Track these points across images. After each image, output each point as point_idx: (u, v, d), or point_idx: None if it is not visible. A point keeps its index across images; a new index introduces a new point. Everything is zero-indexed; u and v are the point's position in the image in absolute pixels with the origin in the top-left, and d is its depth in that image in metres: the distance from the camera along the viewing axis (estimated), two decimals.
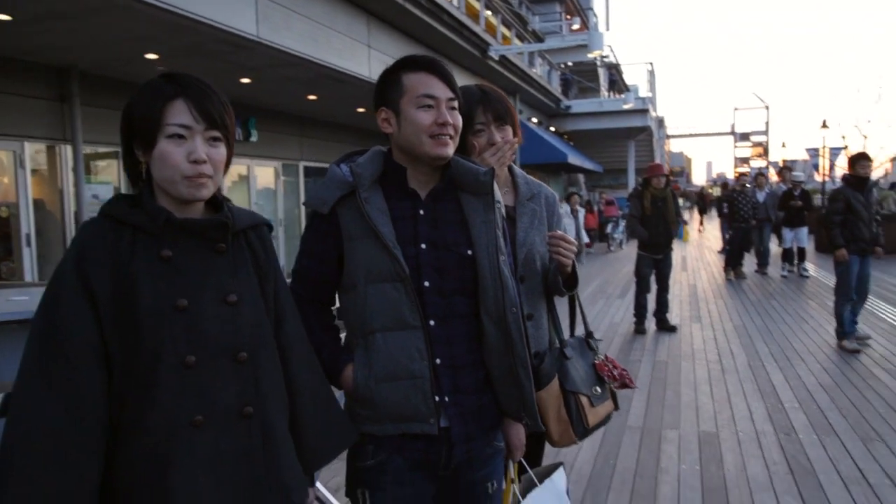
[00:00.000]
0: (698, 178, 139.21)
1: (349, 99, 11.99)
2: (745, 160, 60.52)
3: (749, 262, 12.65)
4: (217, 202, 1.52)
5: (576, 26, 34.06)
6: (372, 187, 1.72)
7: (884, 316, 8.04)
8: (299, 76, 9.89)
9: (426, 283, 1.69)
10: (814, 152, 21.80)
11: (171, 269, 1.39)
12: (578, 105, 25.37)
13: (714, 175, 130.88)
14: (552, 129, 24.37)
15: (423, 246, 1.70)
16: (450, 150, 1.71)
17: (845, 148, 16.18)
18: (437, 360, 1.69)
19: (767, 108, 62.40)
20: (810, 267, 12.15)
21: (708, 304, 9.45)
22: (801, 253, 11.99)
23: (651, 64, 31.40)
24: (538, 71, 21.09)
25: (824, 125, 20.95)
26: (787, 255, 12.15)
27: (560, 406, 2.06)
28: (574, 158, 21.13)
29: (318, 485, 2.63)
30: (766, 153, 57.50)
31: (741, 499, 3.46)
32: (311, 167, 14.35)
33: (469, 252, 1.74)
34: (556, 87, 24.22)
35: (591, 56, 17.90)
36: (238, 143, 11.53)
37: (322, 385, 1.64)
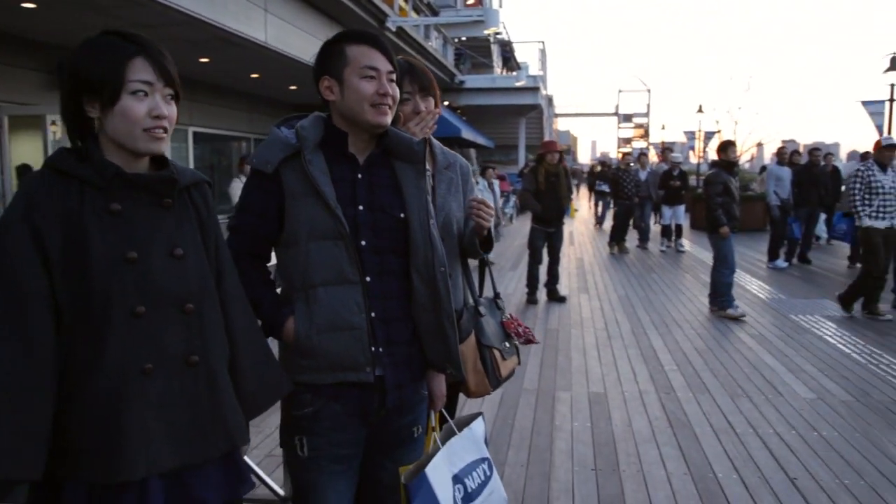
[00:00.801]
0: (583, 157, 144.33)
1: (243, 63, 11.65)
2: (627, 140, 63.27)
3: (631, 238, 13.38)
4: (161, 160, 1.55)
5: (470, 1, 34.29)
6: (314, 150, 1.81)
7: (749, 287, 8.79)
8: (192, 37, 9.50)
9: (363, 243, 1.81)
10: (691, 135, 23.21)
11: (120, 221, 1.43)
12: (472, 80, 25.64)
13: (598, 154, 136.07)
14: (446, 103, 24.55)
15: (361, 208, 1.82)
16: (388, 118, 1.83)
17: (718, 132, 17.42)
18: (373, 314, 1.82)
19: (649, 91, 65.35)
20: (686, 243, 13.00)
21: (594, 276, 9.98)
22: (679, 230, 12.82)
23: (543, 43, 32.09)
24: (433, 44, 21.17)
25: (700, 110, 22.32)
26: (665, 232, 12.95)
27: (476, 359, 2.23)
28: (467, 133, 21.40)
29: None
30: (647, 134, 60.24)
31: (627, 450, 3.79)
32: (200, 133, 13.85)
33: (402, 215, 1.86)
34: (450, 62, 24.39)
35: (486, 32, 18.13)
36: None
37: (259, 337, 1.72)
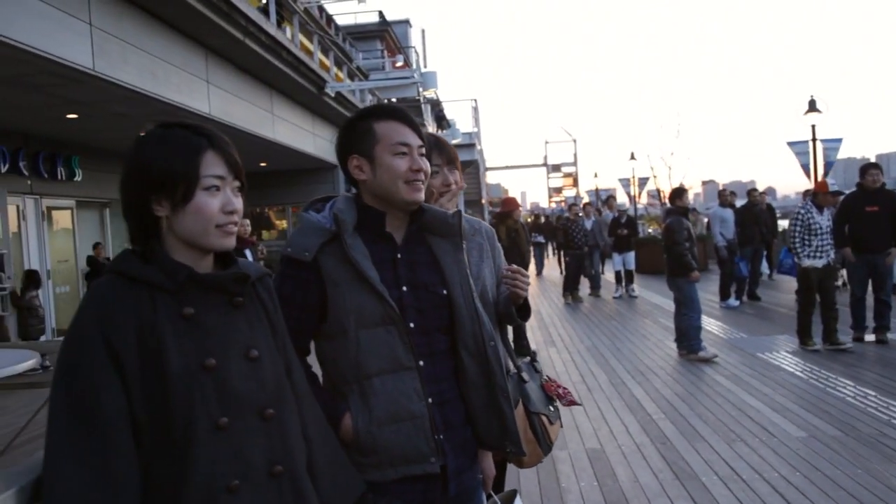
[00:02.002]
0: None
1: None
2: (558, 190, 64.71)
3: (582, 286, 13.54)
4: (223, 254, 1.45)
5: (399, 63, 34.94)
6: (353, 233, 1.74)
7: (709, 328, 8.95)
8: (133, 112, 9.31)
9: (411, 325, 1.74)
10: (626, 182, 23.94)
11: (194, 326, 1.32)
12: None
13: (528, 205, 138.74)
14: None
15: (405, 289, 1.76)
16: (422, 194, 1.78)
17: (655, 177, 18.05)
18: (429, 399, 1.73)
19: (575, 141, 67.34)
20: (636, 288, 13.23)
21: (556, 328, 10.00)
22: (630, 275, 13.06)
23: (475, 101, 32.84)
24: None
25: (632, 157, 23.10)
26: (617, 278, 13.17)
27: (526, 427, 2.15)
28: None
29: None
30: (576, 183, 61.78)
31: None
32: None
33: (444, 291, 1.80)
34: None
35: (425, 94, 18.44)
36: (61, 183, 10.75)
37: (330, 435, 1.61)
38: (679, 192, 7.47)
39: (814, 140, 14.11)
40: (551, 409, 2.27)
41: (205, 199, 1.33)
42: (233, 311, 1.39)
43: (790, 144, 14.61)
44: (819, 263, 7.11)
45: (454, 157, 2.23)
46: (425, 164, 1.78)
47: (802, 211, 7.27)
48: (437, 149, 2.18)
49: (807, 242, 7.13)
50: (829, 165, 14.51)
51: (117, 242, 12.80)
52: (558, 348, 8.39)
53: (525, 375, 2.23)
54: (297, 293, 1.72)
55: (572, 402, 2.38)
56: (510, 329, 8.88)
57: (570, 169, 68.89)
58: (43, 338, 9.99)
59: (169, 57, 8.93)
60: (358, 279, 1.69)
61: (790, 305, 10.61)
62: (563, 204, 36.30)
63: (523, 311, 2.20)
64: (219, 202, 1.35)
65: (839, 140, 15.14)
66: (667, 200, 8.04)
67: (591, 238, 13.21)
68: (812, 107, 13.92)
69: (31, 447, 4.53)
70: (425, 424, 1.70)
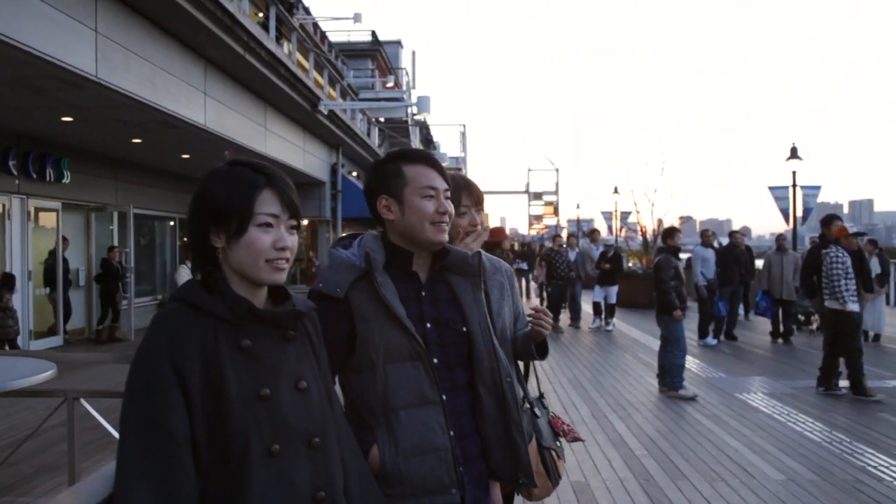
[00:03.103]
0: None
1: (176, 144, 11.47)
2: (539, 217, 65.08)
3: (562, 317, 13.66)
4: (277, 288, 1.53)
5: (390, 84, 35.14)
6: (382, 271, 1.84)
7: (690, 367, 9.08)
8: (129, 118, 9.32)
9: (435, 360, 1.83)
10: (608, 215, 24.29)
11: (251, 357, 1.40)
12: None
13: (507, 231, 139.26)
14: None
15: (429, 325, 1.85)
16: (446, 236, 1.89)
17: (638, 212, 18.43)
18: (451, 432, 1.81)
19: (557, 170, 67.91)
20: (614, 322, 13.38)
21: None
22: (611, 309, 13.21)
23: (463, 126, 33.19)
24: (360, 126, 21.50)
25: (616, 191, 23.47)
26: (596, 309, 13.32)
27: (538, 461, 2.24)
28: None
29: None
30: (556, 212, 62.22)
31: None
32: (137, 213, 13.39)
33: (464, 328, 1.90)
34: (374, 142, 24.75)
35: (418, 117, 18.62)
36: (49, 184, 10.67)
37: (363, 464, 1.68)
38: (671, 232, 7.62)
39: (794, 186, 14.48)
40: (558, 443, 2.37)
41: (257, 234, 1.41)
42: (284, 344, 1.47)
43: (771, 189, 14.97)
44: (857, 307, 7.13)
45: (481, 199, 2.34)
46: (450, 207, 1.89)
47: (840, 255, 7.14)
48: (467, 190, 2.29)
49: (847, 287, 7.06)
50: (807, 212, 14.89)
51: (100, 244, 12.68)
52: (539, 378, 8.46)
53: (537, 411, 2.32)
54: (327, 328, 1.79)
55: (576, 439, 2.48)
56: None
57: (552, 198, 69.59)
58: (19, 339, 9.88)
59: (169, 66, 8.97)
60: (387, 315, 1.78)
61: (765, 346, 10.83)
62: (542, 231, 36.55)
63: (541, 349, 2.29)
64: (271, 238, 1.42)
65: (818, 187, 15.56)
66: (651, 236, 8.16)
67: (573, 269, 13.37)
68: (794, 154, 14.31)
69: (41, 458, 4.50)
70: (448, 457, 1.79)
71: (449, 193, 1.90)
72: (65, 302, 11.53)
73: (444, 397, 1.81)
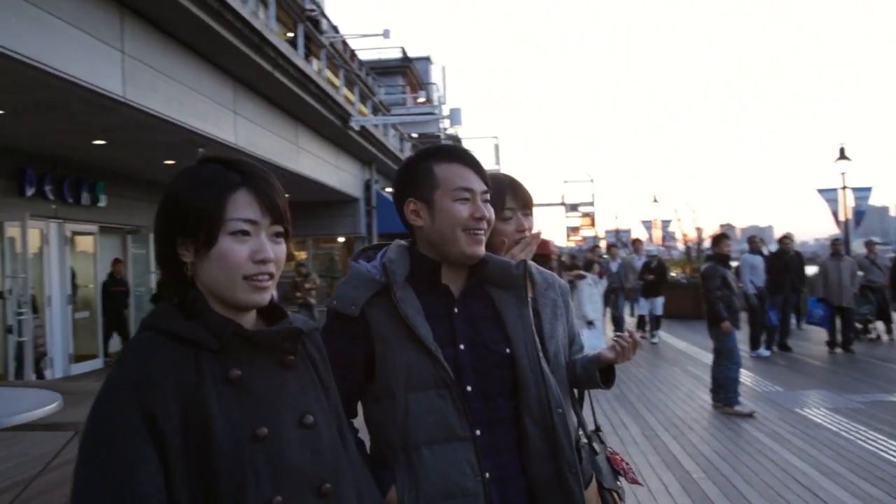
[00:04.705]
0: None
1: None
2: (575, 229, 64.50)
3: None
4: (272, 306, 1.26)
5: (421, 99, 35.15)
6: (404, 286, 1.57)
7: (744, 381, 8.61)
8: (160, 140, 9.26)
9: (468, 388, 1.55)
10: (648, 224, 23.77)
11: (242, 390, 1.13)
12: None
13: None
14: None
15: (462, 347, 1.58)
16: (482, 248, 1.61)
17: (679, 220, 17.86)
18: (486, 474, 1.53)
19: (592, 181, 67.32)
20: (660, 334, 12.91)
21: None
22: (656, 321, 12.74)
23: (497, 138, 32.80)
24: (392, 142, 21.41)
25: (655, 200, 22.97)
26: (641, 322, 12.88)
27: None
28: None
29: None
30: (593, 223, 61.58)
31: None
32: None
33: (507, 350, 1.62)
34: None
35: (449, 131, 18.45)
36: (85, 208, 10.70)
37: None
38: (720, 239, 7.19)
39: (843, 188, 13.89)
40: (619, 483, 2.05)
41: (230, 245, 1.15)
42: (283, 372, 1.20)
43: (821, 192, 14.38)
44: None
45: (529, 201, 2.03)
46: (489, 212, 1.61)
47: None
48: (511, 191, 1.98)
49: None
50: (859, 214, 14.25)
51: (138, 269, 12.70)
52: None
53: (596, 447, 2.00)
54: (341, 351, 1.54)
55: (634, 481, 2.13)
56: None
57: (588, 209, 68.98)
58: (58, 361, 9.84)
59: (197, 86, 8.90)
60: (407, 336, 1.52)
61: (823, 357, 10.28)
62: (580, 243, 36.06)
63: (609, 376, 1.98)
64: (248, 249, 1.16)
65: (869, 189, 14.89)
66: (693, 243, 7.74)
67: (615, 280, 12.97)
68: (842, 154, 13.73)
69: (51, 497, 4.33)
70: (480, 503, 1.50)
71: (488, 196, 1.63)
72: (120, 323, 11.35)
73: (477, 432, 1.53)
